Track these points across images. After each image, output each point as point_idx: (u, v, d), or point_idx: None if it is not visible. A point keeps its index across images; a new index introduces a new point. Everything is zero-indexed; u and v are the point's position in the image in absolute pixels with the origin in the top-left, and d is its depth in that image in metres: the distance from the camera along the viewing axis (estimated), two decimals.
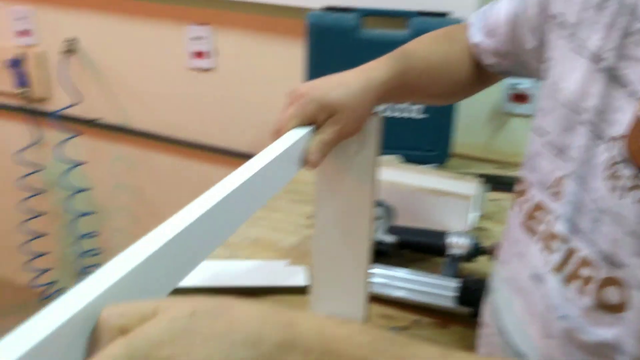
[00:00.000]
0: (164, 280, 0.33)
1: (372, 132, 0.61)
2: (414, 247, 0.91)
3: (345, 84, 0.58)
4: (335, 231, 0.65)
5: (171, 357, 0.26)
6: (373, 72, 0.60)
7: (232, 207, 0.40)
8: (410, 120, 1.25)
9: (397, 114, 1.26)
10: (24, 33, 1.78)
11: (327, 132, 0.57)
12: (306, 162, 0.56)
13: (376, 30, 1.23)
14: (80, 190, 1.85)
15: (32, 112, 1.86)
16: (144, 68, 1.68)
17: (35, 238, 1.96)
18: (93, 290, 0.28)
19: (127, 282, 0.30)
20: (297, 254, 0.93)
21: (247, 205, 0.44)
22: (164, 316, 0.28)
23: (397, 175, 1.01)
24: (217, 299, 0.30)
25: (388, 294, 0.82)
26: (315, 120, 0.57)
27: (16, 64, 1.77)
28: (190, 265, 0.36)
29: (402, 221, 0.95)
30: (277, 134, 0.55)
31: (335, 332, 0.30)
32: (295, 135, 0.54)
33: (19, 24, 1.78)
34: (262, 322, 0.29)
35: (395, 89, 0.62)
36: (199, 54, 1.57)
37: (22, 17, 1.76)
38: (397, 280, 0.83)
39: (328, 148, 0.57)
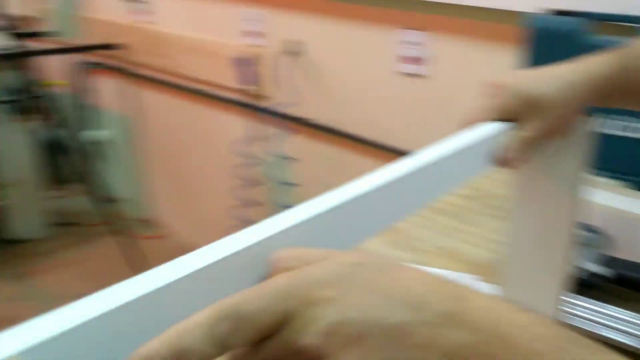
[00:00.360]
0: (340, 237, 0.34)
1: (581, 136, 0.54)
2: (634, 285, 0.78)
3: (559, 77, 0.51)
4: (529, 248, 0.59)
5: (329, 299, 0.26)
6: (593, 65, 0.52)
7: (410, 186, 0.39)
8: (634, 140, 1.09)
9: (617, 132, 1.10)
10: (253, 34, 1.94)
11: (530, 130, 0.50)
12: (502, 161, 0.50)
13: (606, 37, 1.10)
14: (288, 184, 1.96)
15: (252, 107, 2.02)
16: (357, 71, 1.71)
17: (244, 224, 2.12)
18: (266, 232, 0.30)
19: (303, 232, 0.31)
20: (489, 271, 0.86)
21: (424, 190, 0.42)
22: (332, 260, 0.28)
23: (616, 200, 0.89)
24: (388, 258, 0.29)
25: (597, 333, 0.71)
26: (516, 115, 0.51)
27: (243, 62, 1.93)
28: (367, 229, 0.36)
29: (621, 253, 0.82)
30: (465, 124, 0.50)
31: (510, 317, 0.25)
32: (488, 128, 0.49)
33: (249, 24, 1.94)
34: (429, 288, 0.26)
35: (618, 89, 0.53)
36: (411, 59, 1.56)
37: (252, 18, 1.92)
38: (610, 319, 0.72)
39: (529, 147, 0.51)
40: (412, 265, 0.28)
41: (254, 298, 0.26)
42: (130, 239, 2.43)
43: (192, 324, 0.25)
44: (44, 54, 2.43)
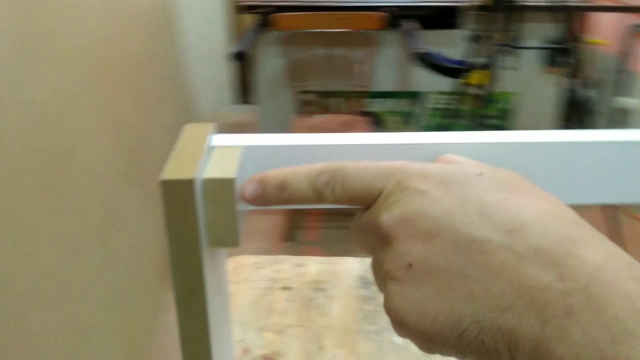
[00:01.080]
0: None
1: None
2: None
3: None
4: None
5: (422, 191, 0.26)
6: None
7: None
8: None
9: None
10: None
11: None
12: None
13: None
14: None
15: None
16: None
17: None
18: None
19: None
20: None
21: None
22: (461, 165, 0.28)
23: None
24: (519, 177, 0.28)
25: None
26: None
27: None
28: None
29: None
30: None
31: (618, 284, 0.22)
32: None
33: None
34: (539, 219, 0.25)
35: None
36: None
37: None
38: None
39: None
40: (541, 191, 0.27)
41: (361, 167, 0.28)
42: (619, 216, 2.25)
43: (305, 169, 0.29)
44: (591, 10, 2.39)
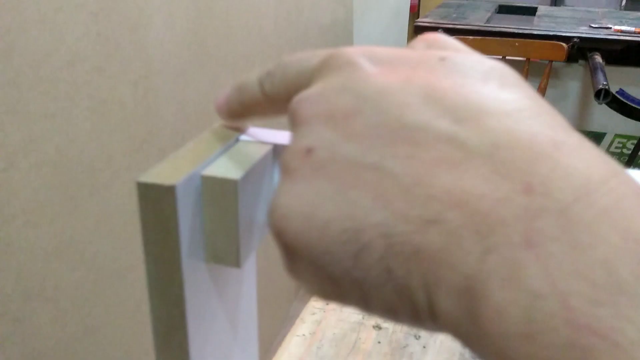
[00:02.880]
0: None
1: None
2: None
3: None
4: None
5: (369, 74, 0.19)
6: None
7: None
8: None
9: None
10: None
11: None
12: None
13: None
14: None
15: None
16: None
17: None
18: None
19: None
20: None
21: None
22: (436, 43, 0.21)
23: None
24: (508, 70, 0.18)
25: None
26: None
27: None
28: None
29: None
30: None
31: (631, 219, 0.14)
32: None
33: None
34: (513, 107, 0.16)
35: None
36: None
37: None
38: None
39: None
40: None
41: (303, 56, 0.22)
42: None
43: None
44: None
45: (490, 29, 2.24)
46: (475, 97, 0.17)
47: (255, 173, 0.24)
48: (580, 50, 2.18)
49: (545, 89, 2.13)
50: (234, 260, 0.24)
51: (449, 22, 2.32)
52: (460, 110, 0.16)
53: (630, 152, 2.36)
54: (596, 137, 2.41)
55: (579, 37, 2.15)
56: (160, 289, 0.23)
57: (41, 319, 0.66)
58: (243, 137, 0.27)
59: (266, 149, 0.25)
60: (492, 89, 0.17)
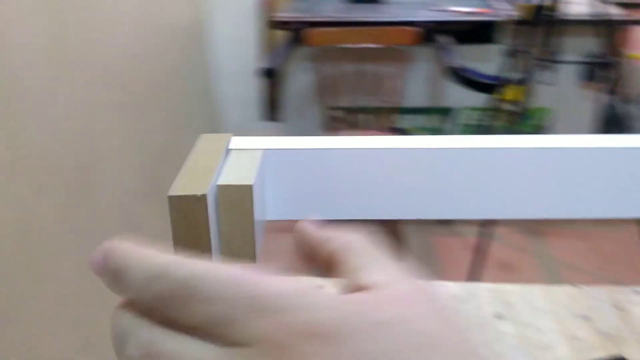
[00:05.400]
0: None
1: None
2: None
3: None
4: None
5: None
6: None
7: None
8: None
9: None
10: None
11: None
12: None
13: None
14: None
15: None
16: None
17: None
18: None
19: None
20: None
21: None
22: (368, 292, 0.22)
23: None
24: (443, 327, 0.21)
25: None
26: None
27: None
28: None
29: None
30: None
31: None
32: None
33: None
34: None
35: None
36: None
37: None
38: None
39: None
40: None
41: (219, 288, 0.21)
42: None
43: (149, 261, 0.22)
44: (629, 23, 2.31)
45: (347, 19, 2.34)
46: None
47: (259, 177, 0.27)
48: (432, 32, 2.36)
49: (402, 72, 2.27)
50: (251, 256, 0.27)
51: (307, 16, 2.38)
52: None
53: (478, 123, 2.59)
54: (447, 112, 2.61)
55: (428, 21, 2.32)
56: None
57: None
58: (232, 146, 0.30)
59: (259, 154, 0.29)
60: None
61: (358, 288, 0.22)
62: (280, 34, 2.48)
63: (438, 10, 2.46)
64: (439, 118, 2.63)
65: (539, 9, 2.02)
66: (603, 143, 0.29)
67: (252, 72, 2.86)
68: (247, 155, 0.29)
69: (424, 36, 2.31)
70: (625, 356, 0.50)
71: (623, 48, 2.43)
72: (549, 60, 2.11)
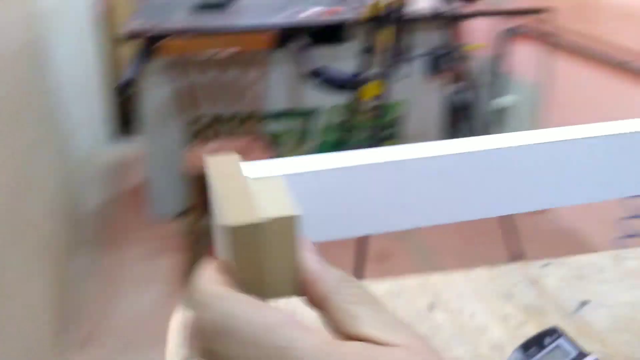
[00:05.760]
0: None
1: None
2: None
3: None
4: None
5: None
6: None
7: None
8: None
9: None
10: None
11: None
12: None
13: None
14: None
15: None
16: None
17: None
18: None
19: None
20: None
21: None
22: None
23: None
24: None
25: None
26: None
27: None
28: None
29: None
30: None
31: None
32: None
33: None
34: None
35: None
36: None
37: None
38: None
39: None
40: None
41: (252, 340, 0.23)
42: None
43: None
44: (470, 17, 2.50)
45: (199, 27, 2.27)
46: None
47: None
48: (286, 36, 2.36)
49: (261, 77, 2.25)
50: (292, 285, 0.26)
51: (157, 26, 2.27)
52: None
53: (339, 121, 2.66)
54: (309, 114, 2.65)
55: (278, 25, 2.33)
56: None
57: None
58: (249, 173, 0.29)
59: (282, 181, 0.28)
60: None
61: (362, 339, 0.23)
62: (132, 47, 2.35)
63: (288, 14, 2.48)
64: (301, 120, 2.65)
65: (387, 6, 2.12)
66: (582, 134, 0.30)
67: (100, 90, 2.68)
68: (271, 184, 0.28)
69: (279, 40, 2.31)
70: (554, 327, 0.52)
71: (461, 40, 2.62)
72: (402, 55, 2.22)
